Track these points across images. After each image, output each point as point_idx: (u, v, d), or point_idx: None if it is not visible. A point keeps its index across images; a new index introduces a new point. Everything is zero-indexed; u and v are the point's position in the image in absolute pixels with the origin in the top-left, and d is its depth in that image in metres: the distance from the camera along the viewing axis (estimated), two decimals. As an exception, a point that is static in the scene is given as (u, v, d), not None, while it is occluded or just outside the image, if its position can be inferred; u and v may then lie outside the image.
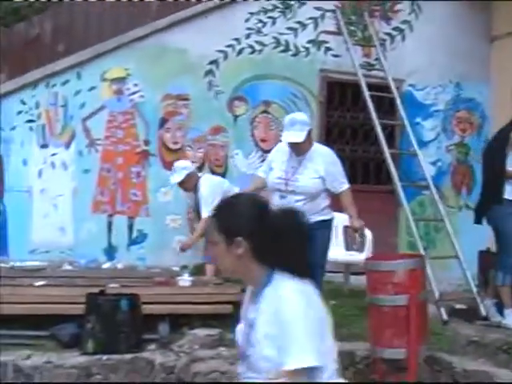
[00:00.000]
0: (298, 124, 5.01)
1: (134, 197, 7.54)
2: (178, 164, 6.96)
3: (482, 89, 8.72)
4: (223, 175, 7.73)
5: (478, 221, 6.27)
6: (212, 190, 6.58)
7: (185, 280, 5.89)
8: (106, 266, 7.09)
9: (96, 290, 5.34)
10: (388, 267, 4.81)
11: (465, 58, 8.61)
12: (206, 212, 6.36)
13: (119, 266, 6.92)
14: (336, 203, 5.38)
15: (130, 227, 7.52)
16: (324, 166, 5.08)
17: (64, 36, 7.78)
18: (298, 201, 4.94)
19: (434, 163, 8.32)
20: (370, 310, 4.96)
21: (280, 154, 5.23)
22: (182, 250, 6.91)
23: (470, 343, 5.48)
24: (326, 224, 5.23)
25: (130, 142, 7.58)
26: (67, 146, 7.42)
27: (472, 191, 8.47)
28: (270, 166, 5.26)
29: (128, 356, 4.92)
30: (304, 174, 5.06)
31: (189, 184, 6.87)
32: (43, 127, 7.40)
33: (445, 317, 5.92)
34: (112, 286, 5.67)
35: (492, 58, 8.69)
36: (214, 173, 7.69)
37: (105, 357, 4.88)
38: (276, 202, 4.93)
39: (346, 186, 5.22)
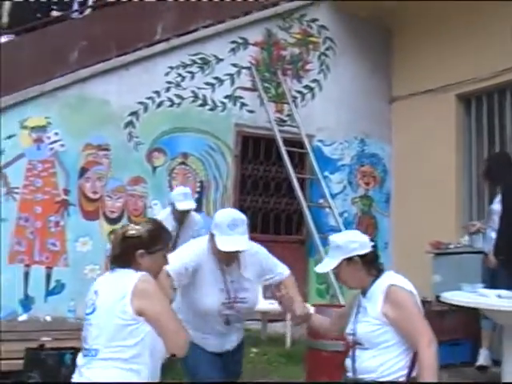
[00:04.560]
0: (240, 226, 3.64)
1: (52, 247, 7.43)
2: (185, 190, 6.52)
3: (384, 145, 9.34)
4: (142, 225, 7.78)
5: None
6: None
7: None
8: (23, 318, 6.94)
9: (29, 344, 5.22)
10: (329, 314, 5.06)
11: (368, 117, 9.21)
12: None
13: (48, 318, 6.77)
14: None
15: (48, 277, 7.39)
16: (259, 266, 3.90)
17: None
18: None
19: (341, 214, 8.73)
20: (309, 354, 5.19)
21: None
22: None
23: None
24: None
25: (50, 190, 7.49)
26: (-17, 193, 7.25)
27: (374, 240, 8.92)
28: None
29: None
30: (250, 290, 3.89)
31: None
32: (-41, 174, 7.21)
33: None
34: (44, 339, 5.57)
35: (392, 118, 9.33)
36: (132, 222, 7.71)
37: (51, 411, 4.80)
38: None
39: (286, 268, 4.06)
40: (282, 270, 4.00)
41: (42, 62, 7.73)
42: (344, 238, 3.39)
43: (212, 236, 3.69)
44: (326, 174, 8.86)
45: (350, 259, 3.31)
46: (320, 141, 8.98)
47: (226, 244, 3.59)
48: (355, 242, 3.34)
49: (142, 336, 2.78)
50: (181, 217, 6.39)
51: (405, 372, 3.17)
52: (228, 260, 3.73)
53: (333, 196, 8.67)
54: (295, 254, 8.42)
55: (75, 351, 5.05)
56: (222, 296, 3.77)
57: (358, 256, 3.30)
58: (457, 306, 5.23)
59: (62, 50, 7.89)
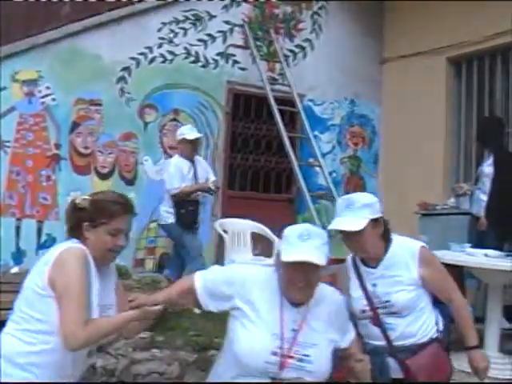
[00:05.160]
0: (315, 239, 2.87)
1: (43, 200, 7.46)
2: (190, 126, 7.27)
3: (374, 107, 9.39)
4: (133, 181, 7.86)
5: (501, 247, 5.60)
6: None
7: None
8: (14, 270, 7.00)
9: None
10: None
11: (358, 78, 9.24)
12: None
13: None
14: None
15: (39, 231, 7.44)
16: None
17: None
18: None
19: (329, 174, 8.77)
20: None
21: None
22: None
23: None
24: None
25: (41, 145, 7.48)
26: (-26, 146, 7.25)
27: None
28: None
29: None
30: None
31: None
32: (-51, 127, 7.18)
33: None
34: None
35: (383, 79, 9.37)
36: (123, 178, 7.81)
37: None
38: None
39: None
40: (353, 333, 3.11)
41: (33, 15, 7.65)
42: (369, 197, 3.19)
43: (278, 257, 2.86)
44: (316, 133, 8.91)
45: (375, 220, 3.13)
46: (311, 100, 9.01)
47: (291, 254, 2.77)
48: (378, 202, 3.19)
49: (53, 317, 2.60)
50: (192, 151, 6.86)
51: (435, 328, 3.24)
52: (297, 293, 2.84)
53: (322, 155, 8.73)
54: (284, 211, 8.54)
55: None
56: (272, 343, 2.79)
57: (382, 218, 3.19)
58: (445, 264, 5.38)
59: (54, 3, 7.79)
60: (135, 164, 7.95)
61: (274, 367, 2.75)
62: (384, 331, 3.18)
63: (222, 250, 7.30)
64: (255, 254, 7.23)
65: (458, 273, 6.02)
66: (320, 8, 9.10)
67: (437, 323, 3.26)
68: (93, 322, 2.61)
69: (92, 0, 7.90)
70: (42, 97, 7.50)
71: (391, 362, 3.19)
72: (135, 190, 7.77)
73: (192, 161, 6.84)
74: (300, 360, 2.80)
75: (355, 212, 3.09)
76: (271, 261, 3.40)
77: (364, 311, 3.21)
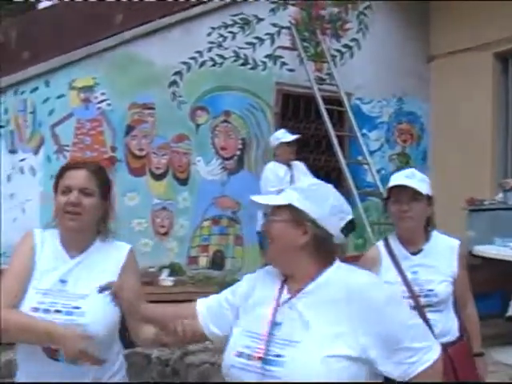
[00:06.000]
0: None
1: (101, 201, 7.78)
2: (281, 130, 7.40)
3: (422, 104, 9.47)
4: (186, 181, 8.13)
5: None
6: None
7: (166, 280, 6.25)
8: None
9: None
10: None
11: (405, 75, 9.33)
12: None
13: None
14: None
15: (97, 230, 7.76)
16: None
17: (31, 44, 7.92)
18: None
19: (378, 171, 8.88)
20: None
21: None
22: None
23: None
24: None
25: (98, 148, 7.83)
26: (36, 151, 7.59)
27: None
28: None
29: (125, 351, 5.24)
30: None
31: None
32: (12, 133, 7.53)
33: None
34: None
35: (431, 76, 9.43)
36: (177, 178, 8.10)
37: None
38: None
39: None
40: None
41: (88, 25, 7.98)
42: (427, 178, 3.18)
43: None
44: (364, 131, 9.03)
45: (429, 199, 3.13)
46: (358, 99, 9.15)
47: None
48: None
49: None
50: (290, 153, 6.94)
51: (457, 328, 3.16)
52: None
53: (370, 153, 8.84)
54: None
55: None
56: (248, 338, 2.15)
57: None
58: (488, 258, 5.46)
59: (107, 12, 8.12)
60: (188, 165, 8.22)
61: (244, 372, 2.09)
62: (429, 326, 2.81)
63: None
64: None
65: (505, 267, 6.12)
66: (366, 8, 9.23)
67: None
68: (9, 312, 2.41)
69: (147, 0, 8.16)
70: (98, 102, 7.83)
71: None
72: (188, 190, 8.07)
73: (289, 165, 6.92)
74: (274, 363, 2.05)
75: (416, 181, 3.07)
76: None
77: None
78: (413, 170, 3.22)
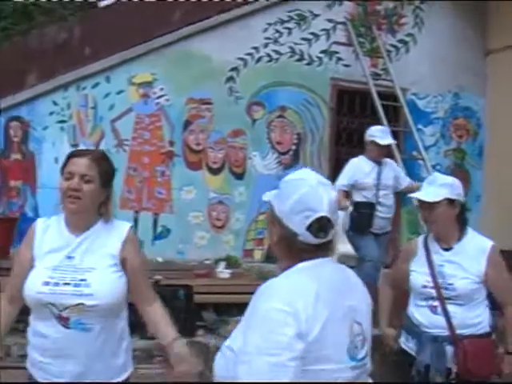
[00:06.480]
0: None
1: (159, 195, 7.98)
2: (383, 127, 7.06)
3: (478, 99, 9.40)
4: (242, 175, 8.26)
5: None
6: None
7: (224, 272, 6.37)
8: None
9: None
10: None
11: (462, 70, 9.27)
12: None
13: (159, 259, 7.34)
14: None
15: (155, 223, 7.96)
16: None
17: (92, 41, 8.12)
18: None
19: (433, 166, 8.85)
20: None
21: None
22: None
23: None
24: None
25: (156, 142, 8.01)
26: (96, 145, 7.78)
27: (468, 194, 9.09)
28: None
29: (185, 340, 5.38)
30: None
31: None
32: (74, 127, 7.78)
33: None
34: (157, 277, 6.11)
35: (488, 71, 9.35)
36: (233, 173, 8.23)
37: (164, 341, 5.31)
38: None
39: None
40: None
41: (147, 22, 8.15)
42: (451, 179, 3.45)
43: None
44: (420, 126, 9.02)
45: (451, 201, 3.34)
46: (414, 94, 9.13)
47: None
48: (460, 187, 3.41)
49: None
50: (379, 155, 6.56)
51: (488, 324, 3.42)
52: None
53: (426, 148, 8.83)
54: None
55: (188, 288, 5.61)
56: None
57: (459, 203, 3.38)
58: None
59: (166, 9, 8.27)
60: (244, 159, 8.34)
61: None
62: (448, 318, 3.32)
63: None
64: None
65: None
66: (421, 2, 9.20)
67: (490, 320, 3.43)
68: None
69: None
70: (157, 98, 8.01)
71: (449, 350, 3.33)
72: (245, 184, 8.20)
73: (378, 162, 6.58)
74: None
75: (435, 188, 3.36)
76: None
77: (425, 286, 3.39)
78: (436, 174, 3.68)
